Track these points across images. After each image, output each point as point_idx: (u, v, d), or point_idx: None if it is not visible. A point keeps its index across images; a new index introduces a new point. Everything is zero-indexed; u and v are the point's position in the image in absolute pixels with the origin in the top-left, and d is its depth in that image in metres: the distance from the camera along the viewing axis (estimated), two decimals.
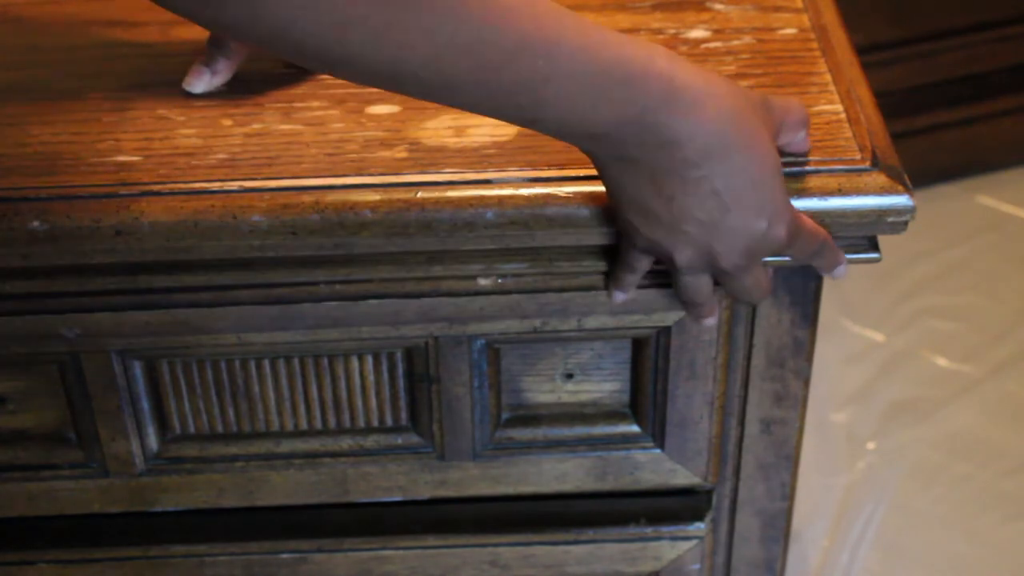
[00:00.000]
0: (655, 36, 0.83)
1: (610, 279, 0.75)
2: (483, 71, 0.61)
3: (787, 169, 0.72)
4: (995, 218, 1.91)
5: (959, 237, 1.87)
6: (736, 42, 0.82)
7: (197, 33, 0.84)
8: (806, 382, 0.83)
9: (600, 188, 0.70)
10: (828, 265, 0.73)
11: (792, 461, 0.87)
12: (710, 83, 0.65)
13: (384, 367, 0.81)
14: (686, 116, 0.64)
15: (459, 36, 0.60)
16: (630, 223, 0.69)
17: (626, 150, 0.65)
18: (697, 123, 0.64)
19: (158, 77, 0.80)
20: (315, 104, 0.78)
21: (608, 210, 0.71)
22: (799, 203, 0.71)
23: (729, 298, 0.78)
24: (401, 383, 0.82)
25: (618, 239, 0.72)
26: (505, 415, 0.83)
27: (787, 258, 0.73)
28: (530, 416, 0.84)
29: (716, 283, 0.73)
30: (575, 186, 0.71)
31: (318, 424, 0.83)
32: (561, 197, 0.71)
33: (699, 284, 0.72)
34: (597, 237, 0.72)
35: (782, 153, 0.71)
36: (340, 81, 0.79)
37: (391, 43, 0.59)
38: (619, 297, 0.76)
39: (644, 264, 0.73)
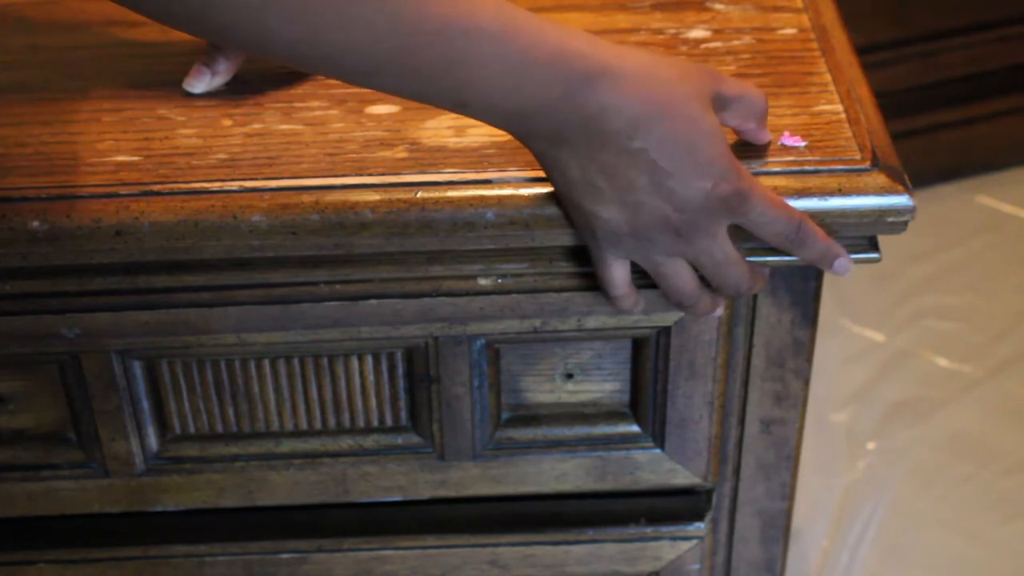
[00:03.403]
0: (655, 36, 0.83)
1: (605, 296, 0.75)
2: (403, 54, 0.63)
3: (787, 169, 0.72)
4: (995, 218, 1.91)
5: (959, 237, 1.86)
6: (736, 42, 0.82)
7: None
8: (806, 382, 0.83)
9: None
10: (819, 256, 0.72)
11: (792, 461, 0.87)
12: (630, 57, 0.66)
13: (384, 367, 0.81)
14: (609, 91, 0.65)
15: (378, 19, 0.61)
16: (583, 208, 0.69)
17: (558, 132, 0.66)
18: (621, 96, 0.65)
19: (158, 77, 0.80)
20: (315, 104, 0.78)
21: (563, 207, 0.71)
22: (799, 203, 0.71)
23: (728, 298, 0.77)
24: (401, 383, 0.82)
25: (587, 245, 0.72)
26: (505, 415, 0.83)
27: (778, 256, 0.73)
28: (530, 416, 0.84)
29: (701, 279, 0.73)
30: None
31: (318, 424, 0.83)
32: None
33: (677, 270, 0.72)
34: None
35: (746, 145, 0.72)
36: (340, 81, 0.79)
37: (308, 26, 0.61)
38: (625, 303, 0.75)
39: (619, 261, 0.72)
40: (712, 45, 0.82)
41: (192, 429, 0.83)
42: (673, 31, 0.83)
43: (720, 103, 0.69)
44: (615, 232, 0.70)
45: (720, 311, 0.76)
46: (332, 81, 0.79)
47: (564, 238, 0.72)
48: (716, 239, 0.70)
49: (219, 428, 0.83)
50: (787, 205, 0.71)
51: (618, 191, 0.68)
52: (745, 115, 0.71)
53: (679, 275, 0.72)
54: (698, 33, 0.83)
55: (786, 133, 0.74)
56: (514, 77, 0.64)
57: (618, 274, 0.73)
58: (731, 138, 0.73)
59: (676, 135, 0.66)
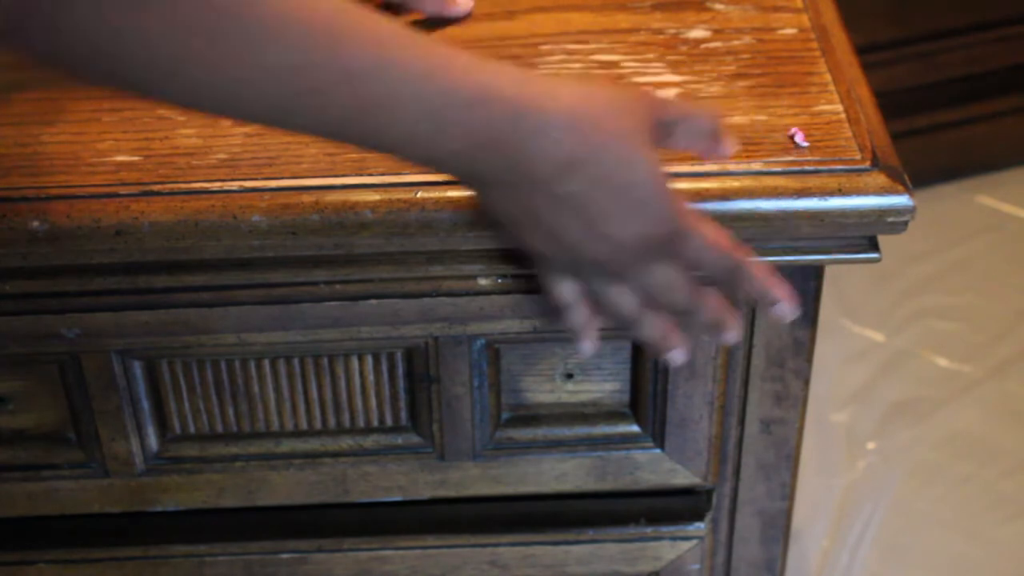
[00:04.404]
0: (655, 36, 0.83)
1: (565, 330, 0.72)
2: (314, 96, 0.60)
3: (787, 169, 0.72)
4: (995, 218, 1.91)
5: (959, 237, 1.86)
6: (736, 42, 0.82)
7: None
8: (806, 382, 0.83)
9: None
10: (757, 298, 0.70)
11: (792, 461, 0.87)
12: (562, 95, 0.63)
13: (384, 367, 0.81)
14: (534, 136, 0.62)
15: (285, 60, 0.58)
16: (521, 239, 0.68)
17: (485, 176, 0.65)
18: (547, 140, 0.63)
19: None
20: None
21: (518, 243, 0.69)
22: (799, 203, 0.71)
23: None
24: (401, 383, 0.82)
25: (538, 274, 0.71)
26: (505, 415, 0.83)
27: (776, 256, 0.72)
28: (530, 416, 0.84)
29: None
30: None
31: (318, 424, 0.83)
32: None
33: (616, 297, 0.70)
34: None
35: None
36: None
37: (208, 65, 0.58)
38: (586, 349, 0.73)
39: (569, 291, 0.71)
40: (712, 45, 0.82)
41: (192, 429, 0.83)
42: (673, 31, 0.83)
43: (663, 130, 0.67)
44: (552, 262, 0.69)
45: (682, 355, 0.72)
46: None
47: None
48: (654, 273, 0.68)
49: (219, 428, 0.83)
50: (727, 244, 0.68)
51: (552, 232, 0.66)
52: (692, 137, 0.69)
53: (618, 302, 0.70)
54: (698, 33, 0.83)
55: (795, 129, 0.74)
56: (434, 122, 0.62)
57: (563, 290, 0.71)
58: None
59: (607, 178, 0.64)
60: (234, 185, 0.72)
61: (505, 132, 0.62)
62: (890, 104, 1.09)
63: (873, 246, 0.75)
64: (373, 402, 0.82)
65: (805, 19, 0.84)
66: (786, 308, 0.70)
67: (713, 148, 0.70)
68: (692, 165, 0.72)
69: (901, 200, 0.72)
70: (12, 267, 0.73)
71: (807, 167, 0.73)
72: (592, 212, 0.65)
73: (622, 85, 0.67)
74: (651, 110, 0.66)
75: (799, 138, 0.74)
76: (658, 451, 0.84)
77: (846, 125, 0.75)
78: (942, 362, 1.69)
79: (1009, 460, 1.56)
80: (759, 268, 0.69)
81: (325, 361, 0.80)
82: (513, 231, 0.68)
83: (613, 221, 0.65)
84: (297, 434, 0.83)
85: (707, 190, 0.71)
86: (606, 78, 0.67)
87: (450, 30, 0.84)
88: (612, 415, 0.84)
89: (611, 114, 0.65)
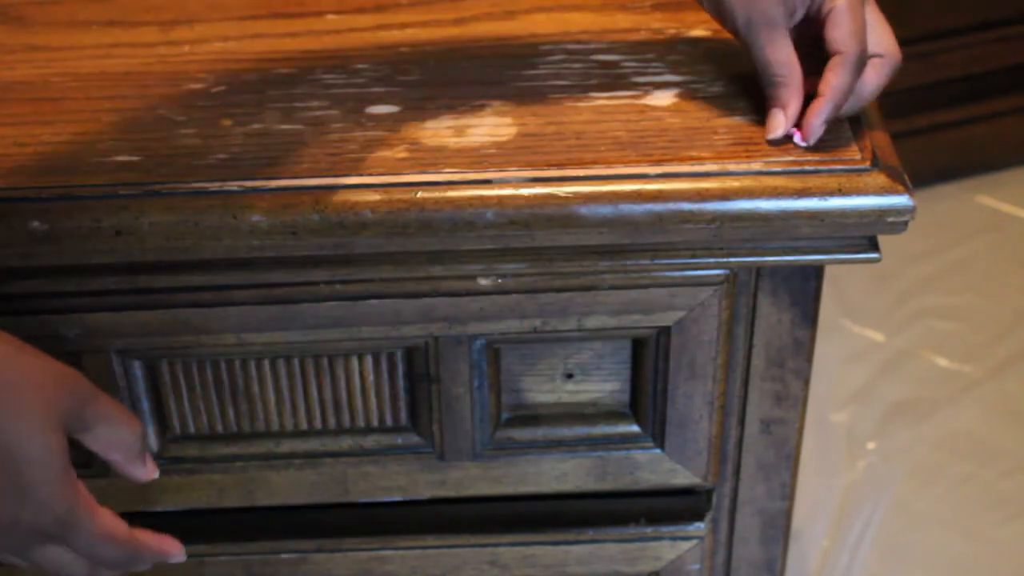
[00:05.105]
0: (655, 36, 0.83)
1: None
2: None
3: (787, 169, 0.72)
4: (995, 218, 1.91)
5: (959, 237, 1.87)
6: (736, 42, 0.82)
7: (197, 33, 0.84)
8: (806, 382, 0.83)
9: (598, 188, 0.71)
10: (156, 561, 0.69)
11: (792, 461, 0.87)
12: None
13: (384, 367, 0.81)
14: None
15: None
16: None
17: None
18: None
19: (158, 77, 0.80)
20: (315, 104, 0.78)
21: None
22: (799, 203, 0.71)
23: (728, 299, 0.78)
24: (401, 383, 0.82)
25: None
26: (505, 415, 0.83)
27: (774, 258, 0.72)
28: (530, 416, 0.84)
29: None
30: (575, 186, 0.71)
31: (318, 424, 0.83)
32: (561, 197, 0.71)
33: (1, 558, 0.66)
34: (597, 237, 0.72)
35: None
36: (340, 81, 0.79)
37: None
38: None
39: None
40: (712, 45, 0.82)
41: (192, 429, 0.83)
42: (673, 31, 0.83)
43: (81, 423, 0.64)
44: None
45: None
46: (332, 81, 0.79)
47: (564, 238, 0.72)
48: (45, 553, 0.65)
49: (219, 428, 0.83)
50: (121, 533, 0.66)
51: None
52: (108, 444, 0.66)
53: (42, 562, 0.66)
54: (698, 33, 0.83)
55: (793, 129, 0.74)
56: None
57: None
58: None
59: None
60: (234, 185, 0.72)
61: None
62: (890, 104, 1.09)
63: (873, 246, 0.75)
64: (373, 402, 0.82)
65: None
66: (175, 557, 0.70)
67: (123, 466, 0.67)
68: (692, 165, 0.72)
69: (901, 200, 0.72)
70: (12, 267, 0.73)
71: (807, 167, 0.73)
72: None
73: (50, 360, 0.63)
74: (73, 397, 0.63)
75: (797, 138, 0.74)
76: (658, 451, 0.84)
77: (846, 125, 0.75)
78: (942, 362, 1.69)
79: (1009, 460, 1.56)
80: (150, 540, 0.68)
81: (325, 361, 0.80)
82: None
83: None
84: (297, 434, 0.83)
85: (707, 190, 0.71)
86: (35, 353, 0.63)
87: (450, 30, 0.84)
88: (612, 415, 0.84)
89: (19, 386, 0.61)
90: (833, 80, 0.73)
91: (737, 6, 0.73)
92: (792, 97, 0.73)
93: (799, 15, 0.74)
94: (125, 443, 0.67)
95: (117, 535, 0.66)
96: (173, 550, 0.70)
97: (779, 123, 0.73)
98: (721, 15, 0.75)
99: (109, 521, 0.66)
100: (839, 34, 0.72)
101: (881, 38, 0.75)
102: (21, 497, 0.62)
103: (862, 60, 0.73)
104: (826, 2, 0.73)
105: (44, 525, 0.63)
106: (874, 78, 0.75)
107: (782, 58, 0.73)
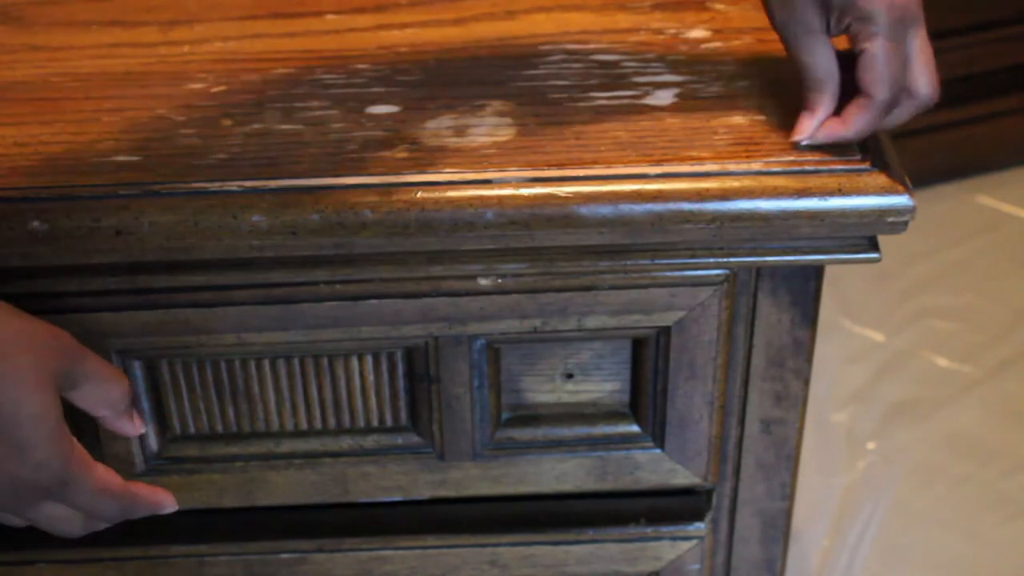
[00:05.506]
0: (655, 36, 0.83)
1: None
2: None
3: (787, 169, 0.72)
4: (995, 218, 1.91)
5: (959, 237, 1.87)
6: (736, 42, 0.82)
7: (197, 33, 0.84)
8: (806, 382, 0.83)
9: (598, 188, 0.71)
10: (154, 512, 0.71)
11: (792, 461, 0.87)
12: None
13: (384, 367, 0.81)
14: None
15: None
16: None
17: None
18: None
19: (158, 77, 0.80)
20: (315, 104, 0.78)
21: None
22: (799, 203, 0.71)
23: (728, 299, 0.78)
24: (401, 383, 0.82)
25: None
26: (505, 415, 0.83)
27: (776, 257, 0.72)
28: (530, 416, 0.84)
29: None
30: (575, 186, 0.71)
31: (318, 424, 0.83)
32: (561, 197, 0.71)
33: (34, 519, 0.67)
34: (597, 237, 0.72)
35: None
36: (340, 81, 0.79)
37: None
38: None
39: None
40: (712, 45, 0.82)
41: (192, 429, 0.83)
42: (673, 31, 0.83)
43: (70, 381, 0.66)
44: None
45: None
46: (332, 81, 0.79)
47: (564, 238, 0.72)
48: (42, 511, 0.66)
49: (219, 428, 0.83)
50: (117, 486, 0.68)
51: None
52: (96, 401, 0.68)
53: (41, 521, 0.67)
54: (698, 33, 0.83)
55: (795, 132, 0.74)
56: None
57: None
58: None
59: None
60: (234, 185, 0.72)
61: None
62: None
63: (873, 246, 0.75)
64: (373, 402, 0.82)
65: None
66: (168, 508, 0.72)
67: (113, 421, 0.69)
68: (692, 165, 0.72)
69: (901, 200, 0.72)
70: (12, 267, 0.73)
71: (807, 167, 0.73)
72: None
73: (39, 322, 0.64)
74: (62, 359, 0.65)
75: (796, 137, 0.74)
76: (658, 451, 0.84)
77: None
78: (942, 362, 1.69)
79: (1009, 460, 1.56)
80: (144, 492, 0.70)
81: (325, 361, 0.80)
82: None
83: None
84: (297, 434, 0.83)
85: (707, 190, 0.71)
86: (21, 315, 0.65)
87: (450, 30, 0.84)
88: (612, 415, 0.84)
89: (11, 345, 0.62)
90: (852, 118, 0.72)
91: (776, 9, 0.72)
92: (822, 104, 0.73)
93: (838, 29, 0.72)
94: (113, 399, 0.69)
95: (113, 488, 0.68)
96: (166, 501, 0.72)
97: (804, 128, 0.73)
98: (768, 12, 0.74)
99: (105, 475, 0.68)
100: (868, 79, 0.71)
101: (919, 77, 0.74)
102: (18, 456, 0.63)
103: (889, 105, 0.73)
104: (861, 35, 0.71)
105: (42, 482, 0.64)
106: (897, 115, 0.74)
107: (818, 63, 0.72)
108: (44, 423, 0.64)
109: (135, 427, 0.71)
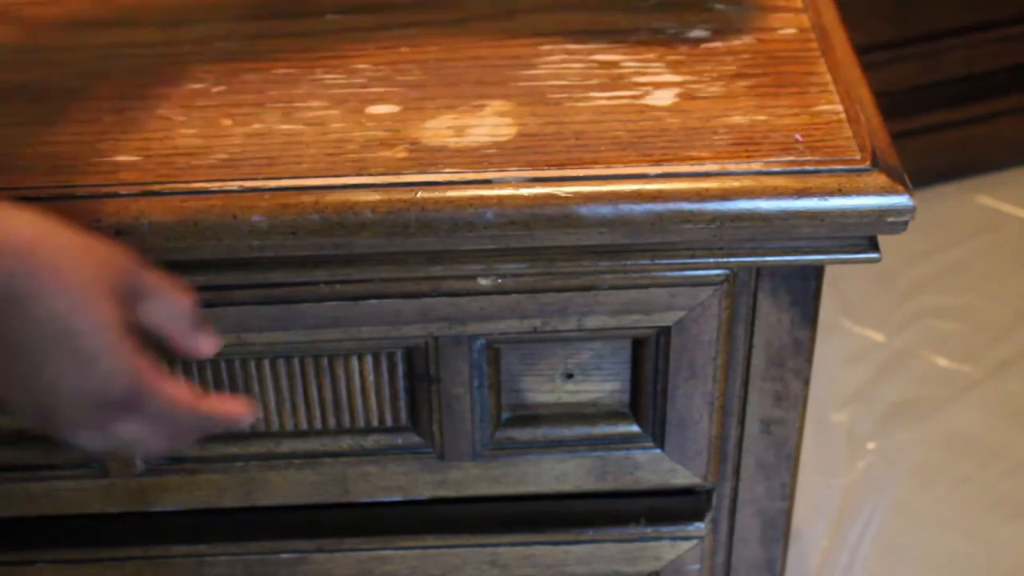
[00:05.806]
0: (655, 36, 0.83)
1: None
2: None
3: (787, 169, 0.72)
4: (995, 218, 1.91)
5: (959, 237, 1.87)
6: (736, 42, 0.82)
7: (197, 33, 0.84)
8: (806, 382, 0.83)
9: (598, 188, 0.71)
10: (227, 427, 0.68)
11: (792, 461, 0.87)
12: (17, 225, 0.58)
13: (384, 367, 0.81)
14: None
15: None
16: None
17: None
18: None
19: (158, 77, 0.80)
20: (315, 104, 0.78)
21: None
22: (799, 203, 0.71)
23: (728, 299, 0.78)
24: (401, 383, 0.82)
25: None
26: (505, 415, 0.83)
27: (774, 257, 0.72)
28: (530, 416, 0.84)
29: None
30: (575, 186, 0.71)
31: (318, 424, 0.83)
32: (561, 197, 0.71)
33: (83, 440, 0.64)
34: (597, 237, 0.72)
35: None
36: (340, 81, 0.79)
37: None
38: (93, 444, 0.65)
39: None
40: (712, 45, 0.82)
41: None
42: (673, 31, 0.83)
43: (133, 297, 0.63)
44: (7, 403, 0.63)
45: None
46: (332, 81, 0.79)
47: (564, 238, 0.72)
48: (117, 430, 0.63)
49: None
50: (190, 398, 0.65)
51: None
52: (162, 315, 0.65)
53: (88, 442, 0.64)
54: (698, 33, 0.83)
55: (798, 136, 0.74)
56: None
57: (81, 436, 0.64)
58: None
59: (47, 322, 0.59)
60: (234, 185, 0.72)
61: None
62: (890, 104, 1.09)
63: (873, 246, 0.75)
64: (373, 402, 0.82)
65: (805, 19, 0.84)
66: (245, 419, 0.68)
67: (184, 337, 0.66)
68: (692, 165, 0.72)
69: (901, 200, 0.72)
70: None
71: (807, 167, 0.73)
72: (33, 358, 0.60)
73: (99, 238, 0.63)
74: (121, 272, 0.63)
75: (798, 137, 0.74)
76: (658, 451, 0.84)
77: (846, 125, 0.75)
78: (942, 362, 1.69)
79: (1009, 460, 1.56)
80: (220, 403, 0.67)
81: (325, 361, 0.80)
82: None
83: (53, 372, 0.60)
84: (297, 434, 0.83)
85: (707, 190, 0.71)
86: (76, 231, 0.62)
87: (450, 30, 0.84)
88: (612, 415, 0.84)
89: (69, 258, 0.60)
90: None
91: None
92: None
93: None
94: (179, 313, 0.66)
95: (188, 399, 0.65)
96: (243, 411, 0.68)
97: None
98: None
99: (178, 386, 0.65)
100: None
101: None
102: (87, 368, 0.60)
103: None
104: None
105: (113, 394, 0.62)
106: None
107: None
108: (108, 332, 0.61)
109: (208, 344, 0.67)
